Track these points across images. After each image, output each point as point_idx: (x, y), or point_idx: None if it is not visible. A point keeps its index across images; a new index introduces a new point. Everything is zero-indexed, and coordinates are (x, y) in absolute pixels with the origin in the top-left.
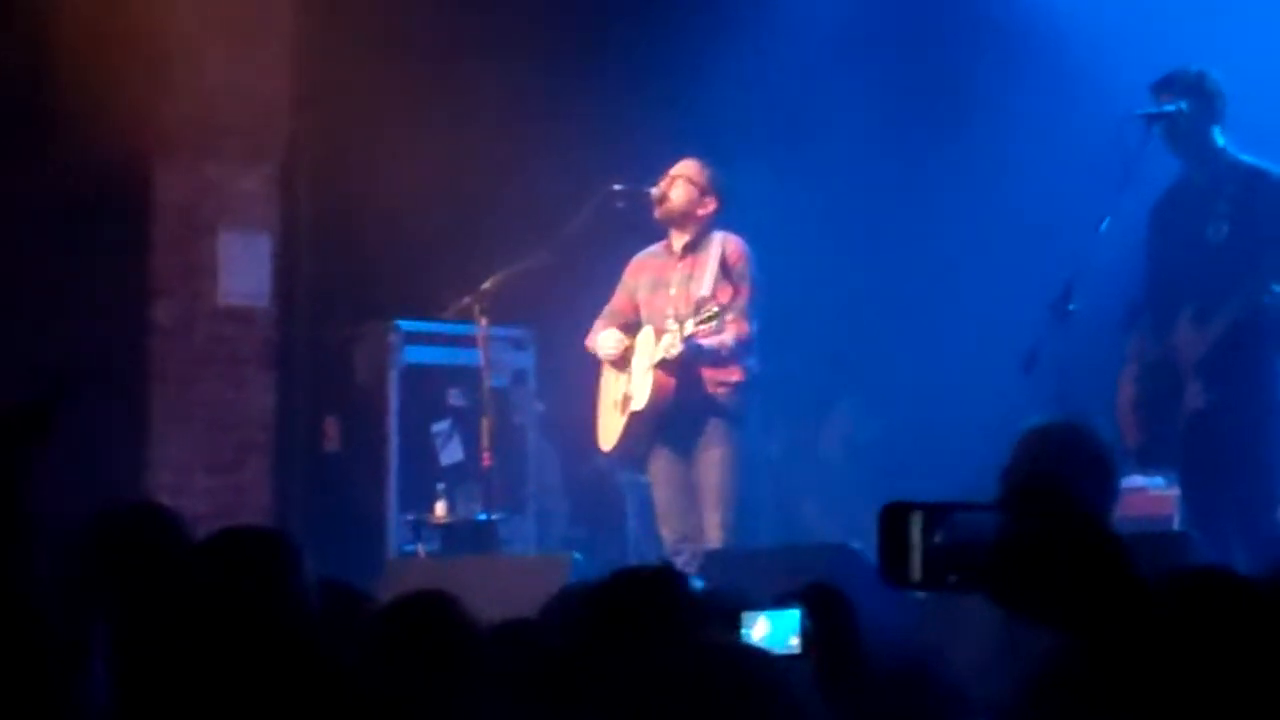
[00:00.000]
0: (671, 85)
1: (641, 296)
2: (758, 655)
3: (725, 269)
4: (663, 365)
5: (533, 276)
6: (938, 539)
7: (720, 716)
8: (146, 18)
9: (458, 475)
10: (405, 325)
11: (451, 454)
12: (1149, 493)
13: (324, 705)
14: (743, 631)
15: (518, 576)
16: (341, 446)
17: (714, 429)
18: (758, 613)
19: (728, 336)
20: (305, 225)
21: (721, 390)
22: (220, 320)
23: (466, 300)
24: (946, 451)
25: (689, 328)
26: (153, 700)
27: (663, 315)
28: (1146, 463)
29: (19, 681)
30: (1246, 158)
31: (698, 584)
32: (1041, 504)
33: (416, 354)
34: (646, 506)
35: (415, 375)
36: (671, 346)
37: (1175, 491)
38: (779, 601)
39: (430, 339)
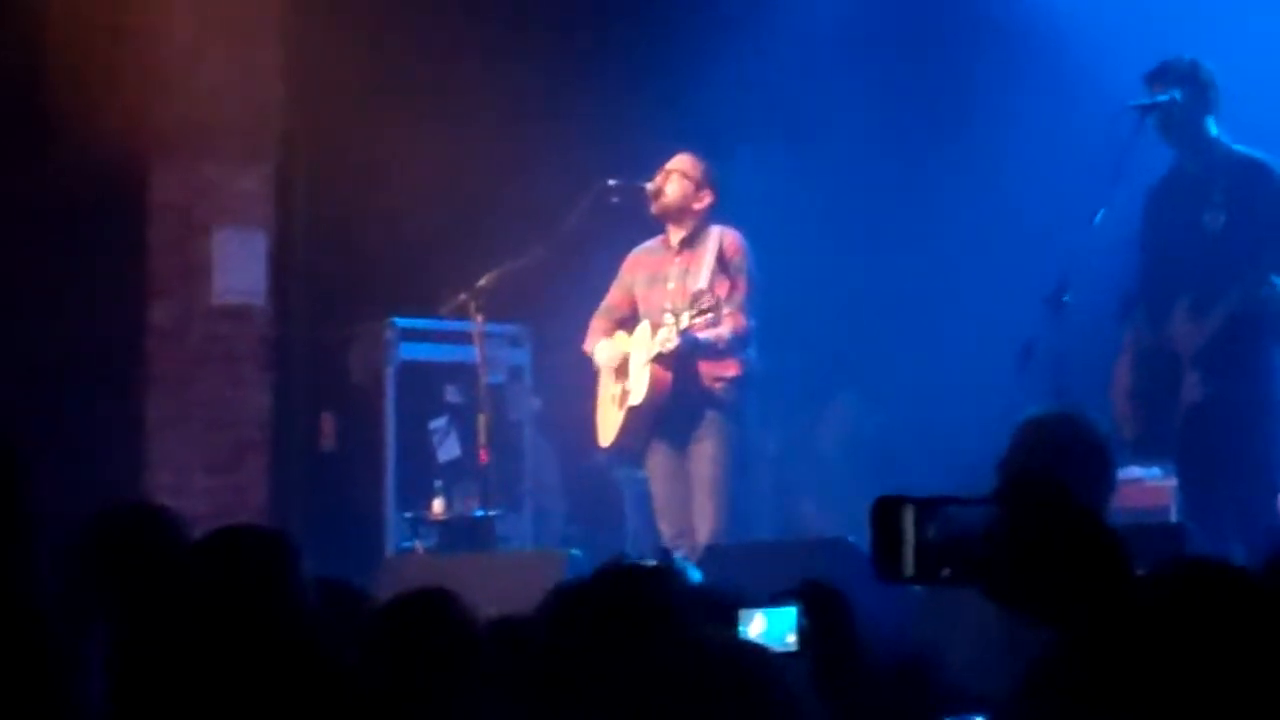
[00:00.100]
0: (670, 83)
1: (639, 291)
2: (755, 651)
3: (723, 263)
4: (659, 359)
5: (528, 273)
6: (930, 533)
7: (718, 711)
8: (143, 18)
9: (455, 472)
10: (401, 323)
11: (448, 451)
12: (1145, 484)
13: (323, 703)
14: (739, 629)
15: (515, 573)
16: (338, 444)
17: (709, 423)
18: (754, 610)
19: (725, 330)
20: (301, 224)
21: (718, 385)
22: (216, 319)
23: (462, 297)
24: (944, 445)
25: (685, 321)
26: (151, 700)
27: (660, 309)
28: (1143, 454)
29: (19, 681)
30: (1241, 148)
31: (696, 575)
32: (1037, 497)
33: (413, 351)
34: (644, 502)
35: (412, 372)
36: (668, 340)
37: (1172, 483)
38: (776, 599)
39: (426, 336)
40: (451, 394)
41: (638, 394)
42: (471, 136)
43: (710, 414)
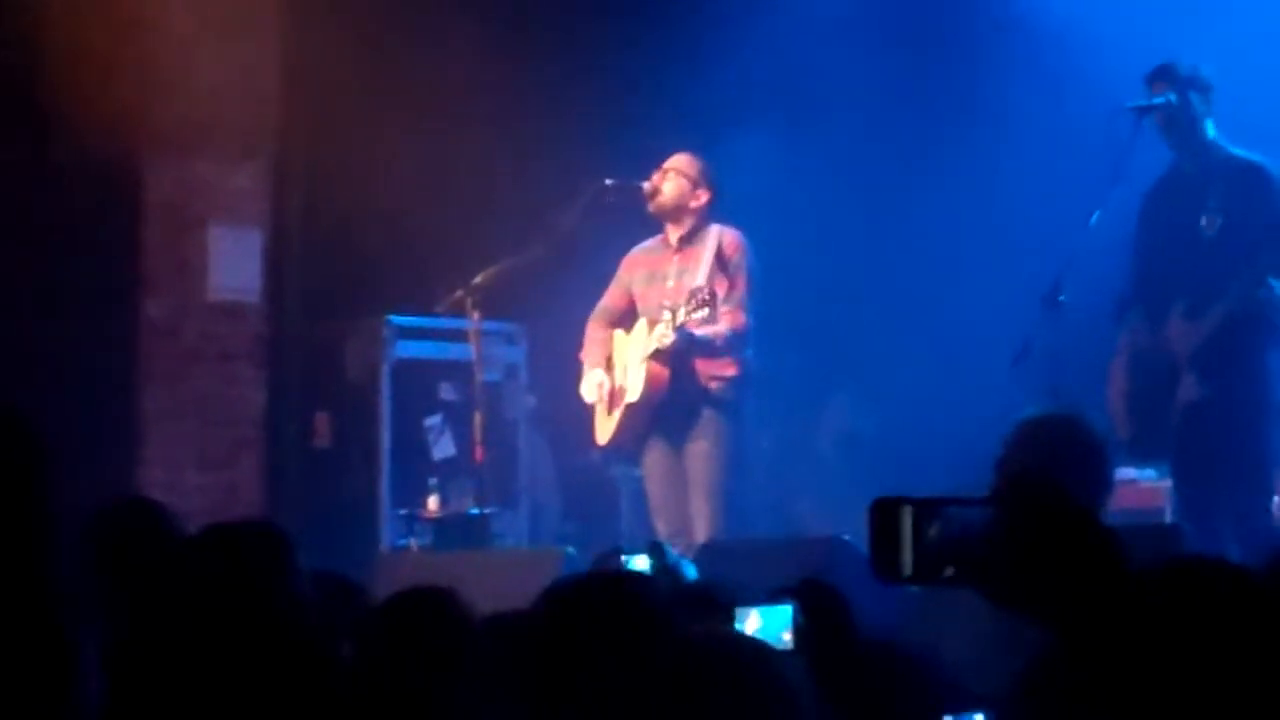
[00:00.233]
0: (667, 81)
1: (637, 289)
2: (752, 645)
3: (721, 261)
4: (656, 356)
5: (525, 271)
6: (930, 533)
7: (716, 706)
8: (137, 15)
9: (450, 470)
10: (397, 320)
11: (444, 449)
12: (1140, 485)
13: (322, 700)
14: (735, 626)
15: (510, 571)
16: (334, 441)
17: (706, 422)
18: (750, 607)
19: (723, 327)
20: (296, 220)
21: (716, 384)
22: (211, 316)
23: (458, 295)
24: (940, 444)
25: (681, 316)
26: (149, 696)
27: (658, 307)
28: (1138, 455)
29: (32, 679)
30: (1238, 150)
31: (691, 571)
32: (1034, 496)
33: (408, 349)
34: (640, 500)
35: (407, 370)
36: (664, 336)
37: (1166, 484)
38: (772, 597)
39: (422, 334)
40: (447, 391)
41: (634, 391)
42: (468, 134)
43: (708, 413)
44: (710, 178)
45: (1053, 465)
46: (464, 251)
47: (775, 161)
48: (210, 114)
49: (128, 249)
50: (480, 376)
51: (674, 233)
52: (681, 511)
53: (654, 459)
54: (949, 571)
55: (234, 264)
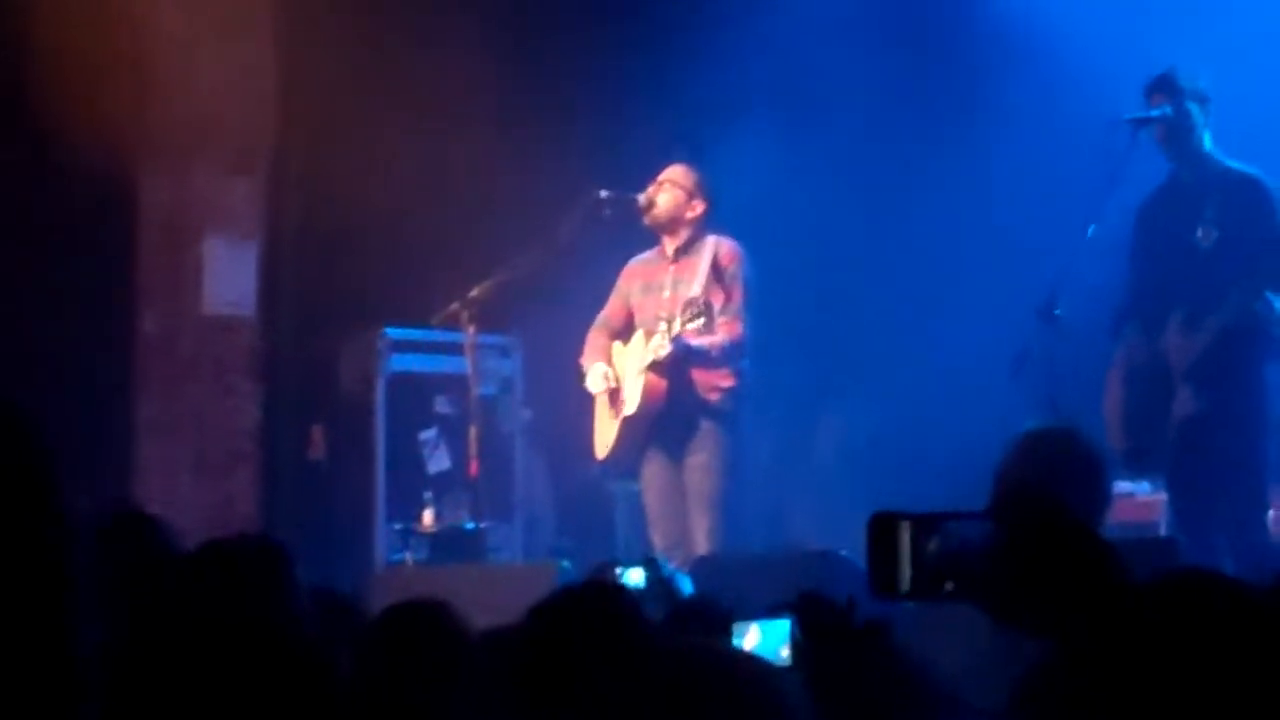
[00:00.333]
0: (663, 91)
1: (635, 300)
2: (749, 660)
3: (717, 271)
4: (653, 367)
5: (520, 284)
6: (928, 549)
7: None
8: (130, 26)
9: (445, 484)
10: (392, 333)
11: (439, 462)
12: (1136, 498)
13: (319, 715)
14: (733, 641)
15: (505, 585)
16: (328, 455)
17: (705, 433)
18: (748, 622)
19: (719, 338)
20: (291, 233)
21: (714, 395)
22: (206, 329)
23: (454, 308)
24: (937, 457)
25: (677, 326)
26: (146, 712)
27: (655, 318)
28: (1134, 468)
29: (36, 694)
30: (1234, 163)
31: (687, 585)
32: (1032, 512)
33: (403, 362)
34: (636, 514)
35: (402, 383)
36: (660, 347)
37: (1162, 497)
38: (770, 611)
39: (417, 347)
40: (442, 405)
41: (632, 403)
42: (463, 147)
43: (706, 424)
44: (705, 189)
45: (1051, 479)
46: (460, 264)
47: (771, 172)
48: (205, 128)
49: (123, 262)
50: (475, 390)
51: (670, 244)
52: (680, 524)
53: (652, 471)
54: (948, 587)
55: (229, 277)
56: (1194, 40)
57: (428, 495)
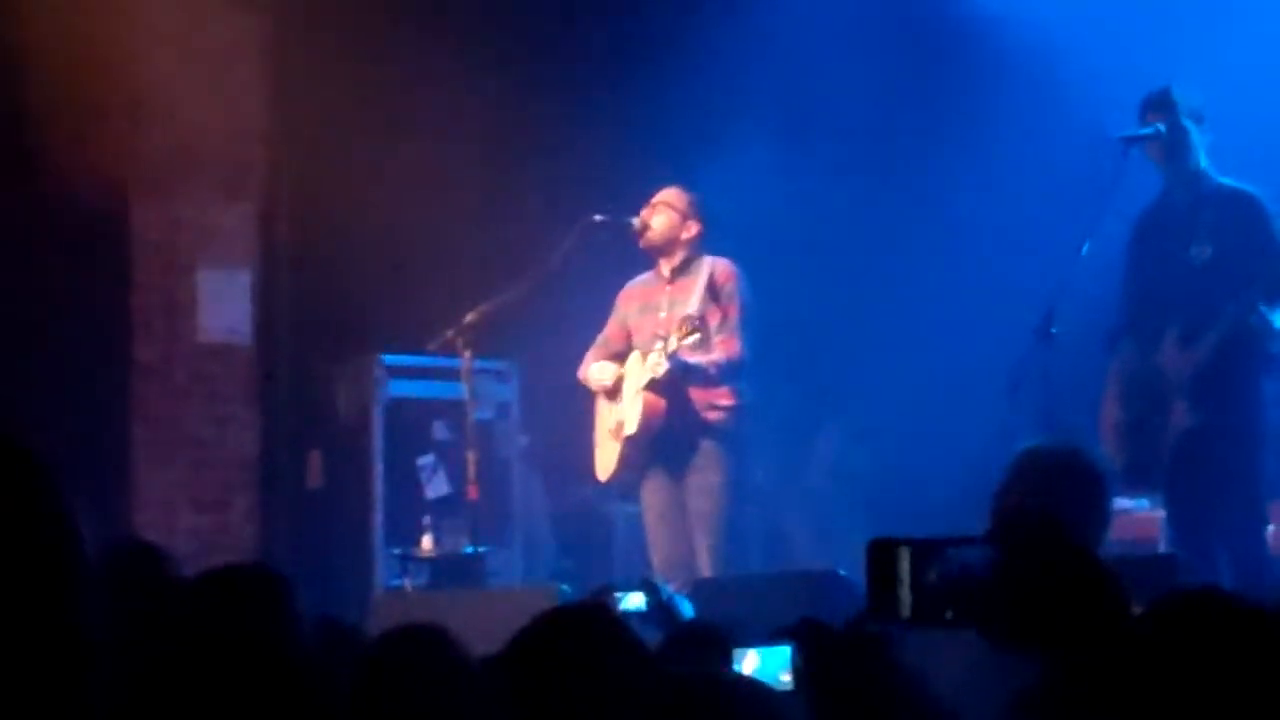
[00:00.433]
0: (658, 113)
1: (632, 321)
2: (750, 685)
3: (713, 289)
4: (651, 386)
5: (516, 309)
6: (929, 575)
7: None
8: (122, 56)
9: (444, 509)
10: (389, 359)
11: (437, 487)
12: (1134, 515)
13: None
14: (733, 666)
15: (505, 609)
16: (326, 482)
17: (706, 453)
18: (748, 648)
19: (717, 355)
20: (285, 260)
21: (713, 414)
22: (202, 357)
23: (449, 333)
24: (934, 476)
25: (673, 344)
26: None
27: (652, 337)
28: (1131, 484)
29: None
30: (1227, 180)
31: (687, 608)
32: (1031, 536)
33: (400, 388)
34: (635, 536)
35: (399, 409)
36: (657, 365)
37: (1160, 513)
38: (771, 638)
39: (414, 373)
40: (439, 430)
41: (632, 423)
42: (457, 172)
43: (707, 444)
44: (700, 210)
45: (1052, 498)
46: (455, 290)
47: (766, 193)
48: (198, 155)
49: (118, 292)
50: (472, 415)
51: (666, 265)
52: (680, 544)
53: (653, 491)
54: (949, 614)
55: (224, 305)
56: (1190, 58)
57: (426, 520)
